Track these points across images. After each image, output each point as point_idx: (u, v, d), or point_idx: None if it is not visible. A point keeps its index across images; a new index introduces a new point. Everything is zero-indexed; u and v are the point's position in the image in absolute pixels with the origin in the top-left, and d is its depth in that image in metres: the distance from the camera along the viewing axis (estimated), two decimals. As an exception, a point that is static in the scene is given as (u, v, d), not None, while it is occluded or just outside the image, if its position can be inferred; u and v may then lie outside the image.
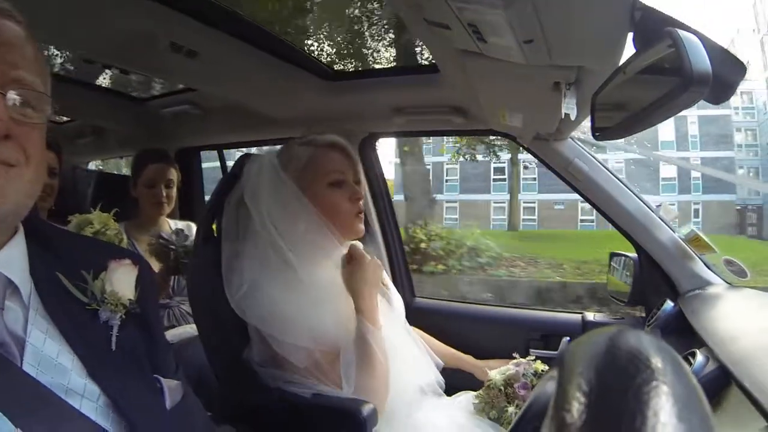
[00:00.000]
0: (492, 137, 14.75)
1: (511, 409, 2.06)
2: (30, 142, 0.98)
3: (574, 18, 1.32)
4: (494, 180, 30.63)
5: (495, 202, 30.51)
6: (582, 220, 28.90)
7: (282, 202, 2.01)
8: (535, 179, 30.63)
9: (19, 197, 0.98)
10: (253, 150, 3.92)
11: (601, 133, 1.54)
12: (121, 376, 1.05)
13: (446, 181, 30.78)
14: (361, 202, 2.11)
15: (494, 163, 27.59)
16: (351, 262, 2.04)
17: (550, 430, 0.48)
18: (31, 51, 1.02)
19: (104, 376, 1.02)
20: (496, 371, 2.19)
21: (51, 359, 0.98)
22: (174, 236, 2.87)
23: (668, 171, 27.44)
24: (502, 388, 2.12)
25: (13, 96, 0.95)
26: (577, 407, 0.46)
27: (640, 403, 0.43)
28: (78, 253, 1.16)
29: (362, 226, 2.12)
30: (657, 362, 0.48)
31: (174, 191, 3.28)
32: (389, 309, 2.23)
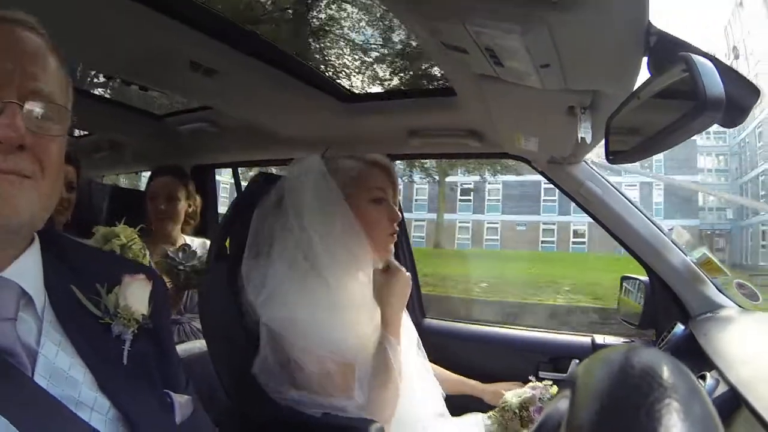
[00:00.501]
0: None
1: None
2: (46, 154, 0.99)
3: (589, 43, 1.34)
4: (460, 200, 31.47)
5: (460, 222, 31.95)
6: (574, 242, 29.28)
7: (323, 206, 2.02)
8: (498, 200, 31.28)
9: (33, 209, 0.98)
10: (272, 170, 3.95)
11: (615, 156, 1.55)
12: (131, 390, 1.06)
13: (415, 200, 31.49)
14: (396, 224, 2.13)
15: (462, 185, 28.59)
16: (387, 272, 2.09)
17: None
18: (54, 63, 1.04)
19: (115, 390, 1.03)
20: (512, 393, 2.19)
21: (63, 371, 0.98)
22: (180, 253, 2.88)
23: (632, 194, 27.86)
24: (517, 410, 2.12)
25: (31, 108, 0.97)
26: (590, 425, 0.47)
27: (652, 421, 0.44)
28: (92, 267, 1.17)
29: (393, 247, 2.13)
30: (670, 380, 0.49)
31: (179, 206, 3.29)
32: (404, 329, 2.21)
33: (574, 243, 31.28)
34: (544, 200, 31.72)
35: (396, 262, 2.13)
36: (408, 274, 2.12)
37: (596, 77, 1.59)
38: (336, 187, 2.04)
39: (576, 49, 1.37)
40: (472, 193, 32.55)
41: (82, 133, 4.22)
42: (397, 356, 1.94)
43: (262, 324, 1.92)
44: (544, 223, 32.19)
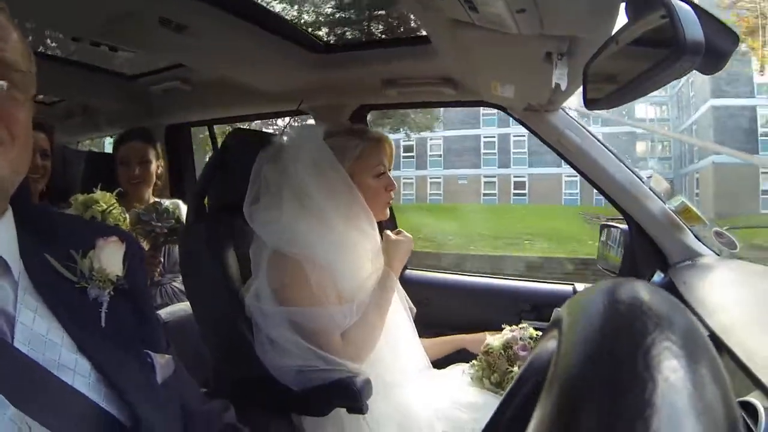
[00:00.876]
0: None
1: (515, 369, 2.08)
2: (14, 120, 0.98)
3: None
4: (404, 157, 31.99)
5: (404, 178, 32.41)
6: (515, 194, 29.93)
7: (324, 175, 2.14)
8: (440, 156, 31.85)
9: (3, 173, 0.97)
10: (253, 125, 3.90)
11: (593, 103, 1.54)
12: (111, 352, 1.05)
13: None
14: (392, 193, 2.31)
15: (404, 141, 28.91)
16: (398, 235, 2.33)
17: (553, 391, 0.46)
18: (14, 32, 1.02)
19: (95, 351, 1.02)
20: (492, 337, 2.22)
21: (41, 336, 0.98)
22: (153, 214, 2.84)
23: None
24: (502, 351, 2.14)
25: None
26: (580, 372, 0.45)
27: (650, 369, 0.41)
28: (66, 233, 1.16)
29: (387, 211, 2.33)
30: (664, 315, 0.46)
31: (151, 169, 3.25)
32: None
33: (515, 195, 31.70)
34: (484, 154, 31.97)
35: (404, 231, 2.39)
36: (411, 237, 2.36)
37: (573, 22, 1.57)
38: (332, 156, 2.15)
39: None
40: (414, 149, 33.00)
41: (54, 99, 4.15)
42: (389, 300, 2.14)
43: (272, 254, 2.03)
44: (485, 176, 32.75)
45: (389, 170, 2.28)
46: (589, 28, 1.56)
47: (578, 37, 1.64)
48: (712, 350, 0.46)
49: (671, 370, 0.41)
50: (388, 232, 2.34)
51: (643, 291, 0.50)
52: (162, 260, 3.05)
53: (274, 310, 1.98)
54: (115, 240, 1.17)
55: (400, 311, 2.28)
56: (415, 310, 2.40)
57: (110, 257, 1.14)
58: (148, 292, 1.36)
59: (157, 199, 3.25)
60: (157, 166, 3.29)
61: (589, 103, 1.55)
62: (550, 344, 0.58)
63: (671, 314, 0.47)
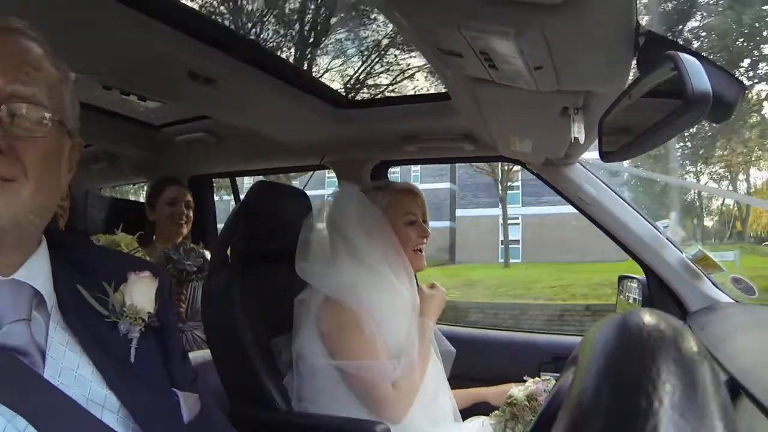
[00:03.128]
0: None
1: None
2: (28, 156, 0.98)
3: (581, 44, 1.37)
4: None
5: None
6: None
7: (367, 227, 2.28)
8: None
9: (15, 212, 0.97)
10: (271, 178, 3.95)
11: (608, 155, 1.59)
12: (140, 388, 1.07)
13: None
14: (425, 240, 2.40)
15: None
16: (432, 289, 2.44)
17: (564, 418, 0.48)
18: (46, 66, 1.05)
19: (123, 388, 1.04)
20: (516, 389, 2.23)
21: (71, 370, 1.00)
22: (182, 252, 2.94)
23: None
24: (527, 402, 2.15)
25: (7, 111, 0.97)
26: (592, 392, 0.47)
27: (657, 390, 0.43)
28: (99, 265, 1.18)
29: (424, 262, 2.41)
30: (667, 337, 0.48)
31: (191, 213, 3.40)
32: None
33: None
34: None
35: (437, 284, 2.49)
36: (444, 291, 2.46)
37: (588, 78, 1.62)
38: (378, 209, 2.32)
39: (568, 51, 1.40)
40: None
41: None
42: (429, 352, 2.23)
43: (324, 300, 2.14)
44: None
45: (423, 220, 2.38)
46: (604, 83, 1.62)
47: (593, 91, 1.69)
48: (713, 369, 0.48)
49: (675, 395, 0.43)
50: (423, 285, 2.44)
51: (649, 317, 0.52)
52: (186, 295, 3.11)
53: (327, 363, 2.05)
54: (148, 275, 1.19)
55: (432, 361, 2.31)
56: (454, 351, 2.50)
57: (142, 293, 1.16)
58: (177, 328, 1.40)
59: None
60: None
61: (605, 155, 1.59)
62: (569, 379, 0.60)
63: (677, 337, 0.49)
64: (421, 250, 2.38)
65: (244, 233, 2.26)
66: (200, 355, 2.70)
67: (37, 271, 1.05)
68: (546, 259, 24.53)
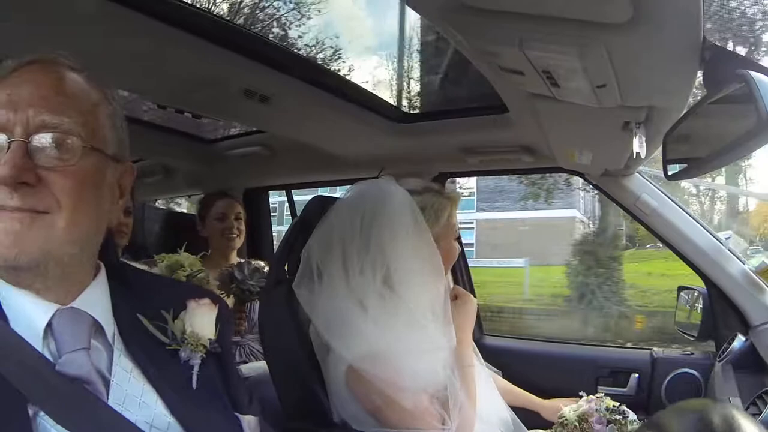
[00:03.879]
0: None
1: None
2: (60, 187, 0.97)
3: (646, 61, 1.36)
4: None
5: None
6: None
7: (408, 238, 1.98)
8: None
9: (49, 245, 0.97)
10: (329, 191, 3.95)
11: (674, 174, 1.56)
12: (202, 415, 1.08)
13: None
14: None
15: None
16: (457, 298, 2.16)
17: None
18: (84, 96, 1.05)
19: (186, 415, 1.05)
20: (568, 408, 2.19)
21: (135, 397, 1.02)
22: (246, 271, 2.93)
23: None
24: (577, 423, 2.11)
25: (39, 143, 0.97)
26: None
27: None
28: (157, 293, 1.20)
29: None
30: None
31: (242, 226, 3.37)
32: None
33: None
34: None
35: (460, 288, 2.27)
36: (474, 298, 2.22)
37: (652, 93, 1.60)
38: (423, 221, 2.02)
39: (633, 68, 1.39)
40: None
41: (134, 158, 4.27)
42: (474, 379, 2.02)
43: (348, 368, 1.85)
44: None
45: None
46: (667, 98, 1.60)
47: (656, 106, 1.66)
48: None
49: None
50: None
51: (737, 419, 0.50)
52: (247, 312, 3.08)
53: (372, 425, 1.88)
54: (207, 303, 1.20)
55: (480, 374, 2.20)
56: (500, 373, 2.42)
57: (203, 320, 1.17)
58: (232, 352, 1.42)
59: (239, 259, 3.31)
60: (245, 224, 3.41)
61: (670, 173, 1.57)
62: None
63: None
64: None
65: (302, 248, 2.27)
66: (256, 367, 2.72)
67: (95, 300, 1.07)
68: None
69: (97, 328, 1.04)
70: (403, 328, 1.90)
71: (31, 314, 1.00)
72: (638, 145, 1.78)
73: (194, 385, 1.11)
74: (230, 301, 2.94)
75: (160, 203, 5.13)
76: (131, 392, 1.02)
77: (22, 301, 1.00)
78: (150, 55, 1.91)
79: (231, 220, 3.32)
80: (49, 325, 0.99)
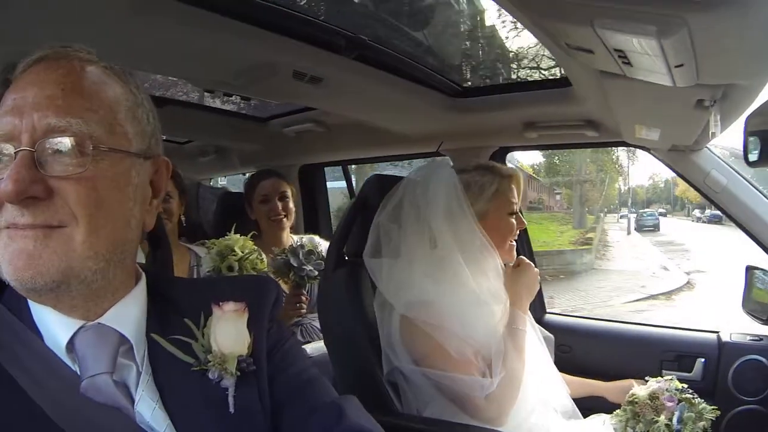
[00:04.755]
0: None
1: (661, 418, 2.01)
2: (74, 197, 0.90)
3: (727, 40, 1.27)
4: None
5: None
6: None
7: (452, 217, 2.09)
8: None
9: (68, 262, 0.90)
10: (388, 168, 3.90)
11: (755, 161, 1.46)
12: None
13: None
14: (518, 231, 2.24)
15: None
16: (518, 267, 2.22)
17: None
18: (90, 86, 0.96)
19: None
20: (637, 388, 2.15)
21: (158, 430, 0.96)
22: (301, 256, 2.83)
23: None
24: (649, 401, 2.07)
25: (46, 148, 0.90)
26: None
27: None
28: (183, 301, 1.11)
29: (515, 254, 2.25)
30: None
31: (290, 204, 3.30)
32: (533, 331, 2.28)
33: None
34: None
35: (525, 259, 2.28)
36: (536, 269, 2.26)
37: (731, 72, 1.51)
38: (465, 201, 2.10)
39: (714, 47, 1.29)
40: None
41: (184, 140, 4.32)
42: (524, 341, 2.06)
43: (401, 317, 2.00)
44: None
45: (520, 209, 2.25)
46: (747, 76, 1.51)
47: (734, 84, 1.57)
48: None
49: None
50: (509, 265, 2.23)
51: None
52: (309, 297, 2.98)
53: (419, 378, 1.97)
54: (231, 309, 1.07)
55: (536, 346, 2.23)
56: (552, 338, 2.37)
57: (228, 333, 1.05)
58: (296, 352, 1.22)
59: (293, 236, 3.31)
60: (293, 203, 3.35)
61: (751, 160, 1.47)
62: None
63: None
64: (515, 243, 2.25)
65: (360, 229, 2.23)
66: (317, 347, 2.71)
67: (126, 314, 1.00)
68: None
69: (128, 347, 0.99)
70: (450, 283, 2.04)
71: (54, 330, 0.96)
72: (714, 125, 1.69)
73: (232, 409, 1.02)
74: (287, 287, 2.93)
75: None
76: (155, 425, 0.96)
77: (48, 316, 0.96)
78: (198, 42, 1.90)
79: (275, 201, 3.24)
80: (71, 342, 0.95)
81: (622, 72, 1.54)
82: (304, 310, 2.98)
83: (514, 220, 2.18)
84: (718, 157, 2.53)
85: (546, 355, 2.29)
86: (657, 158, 2.67)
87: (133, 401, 0.96)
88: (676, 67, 1.36)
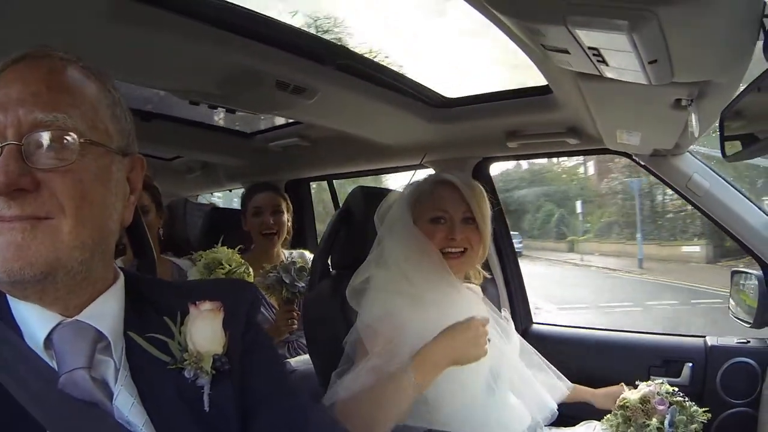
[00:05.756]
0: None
1: (653, 421, 2.02)
2: (61, 189, 0.92)
3: (701, 34, 1.28)
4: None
5: None
6: None
7: (397, 228, 2.11)
8: None
9: (57, 253, 0.92)
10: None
11: (732, 155, 1.47)
12: None
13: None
14: (454, 242, 2.10)
15: None
16: (463, 323, 1.96)
17: None
18: (72, 84, 0.99)
19: None
20: (628, 392, 2.15)
21: (138, 426, 0.96)
22: (293, 273, 2.84)
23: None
24: (641, 405, 2.07)
25: (33, 143, 0.92)
26: None
27: None
28: (163, 300, 1.12)
29: (458, 265, 2.15)
30: None
31: (283, 218, 3.29)
32: (505, 341, 2.22)
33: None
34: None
35: (477, 319, 1.99)
36: (486, 329, 2.00)
37: (707, 68, 1.51)
38: (406, 210, 2.13)
39: (686, 42, 1.31)
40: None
41: (171, 155, 4.33)
42: (404, 398, 1.83)
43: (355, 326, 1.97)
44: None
45: (464, 219, 2.12)
46: (723, 72, 1.52)
47: (711, 81, 1.58)
48: None
49: None
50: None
51: None
52: (299, 313, 2.90)
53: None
54: (208, 308, 1.08)
55: (512, 368, 2.18)
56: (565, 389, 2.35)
57: (203, 333, 1.06)
58: (270, 349, 1.25)
59: (284, 251, 3.32)
60: (287, 218, 3.33)
61: (728, 154, 1.48)
62: None
63: None
64: (451, 253, 2.10)
65: (344, 240, 2.23)
66: (304, 360, 2.69)
67: (104, 311, 1.01)
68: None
69: (106, 343, 0.99)
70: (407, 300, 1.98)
71: (33, 327, 0.96)
72: (691, 124, 1.71)
73: (207, 407, 1.02)
74: (277, 303, 2.93)
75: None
76: (133, 420, 0.97)
77: (27, 312, 0.97)
78: (178, 52, 1.90)
79: (267, 215, 3.25)
80: (49, 338, 0.95)
81: (599, 72, 1.55)
82: (295, 326, 2.95)
83: (436, 229, 2.10)
84: (700, 160, 2.54)
85: (526, 373, 2.27)
86: (639, 164, 2.70)
87: (111, 397, 0.96)
88: (650, 63, 1.37)
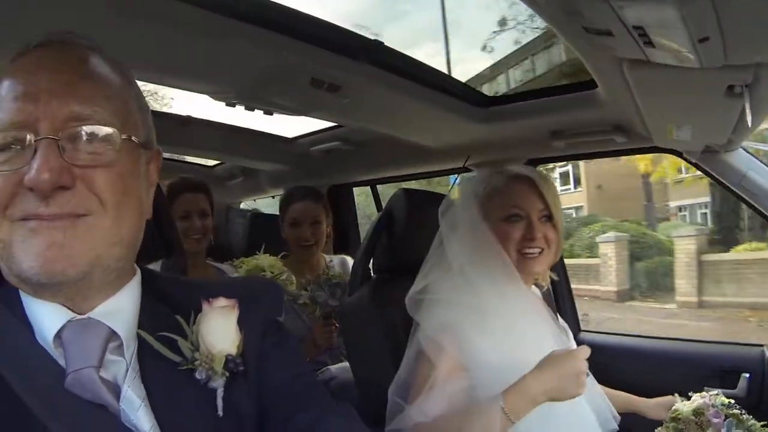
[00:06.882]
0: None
1: None
2: (100, 184, 0.90)
3: (756, 7, 1.20)
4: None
5: None
6: None
7: (464, 227, 2.02)
8: None
9: (96, 251, 0.90)
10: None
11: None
12: None
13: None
14: (534, 243, 2.02)
15: None
16: (565, 353, 1.78)
17: None
18: (103, 75, 0.96)
19: None
20: (680, 404, 2.05)
21: (144, 429, 0.92)
22: (327, 290, 2.81)
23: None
24: (694, 417, 1.97)
25: (71, 137, 0.89)
26: None
27: None
28: (179, 297, 1.07)
29: (537, 268, 2.08)
30: None
31: (322, 228, 3.21)
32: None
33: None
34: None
35: (583, 349, 1.81)
36: (584, 363, 1.76)
37: (762, 47, 1.42)
38: (474, 207, 2.05)
39: (740, 16, 1.22)
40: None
41: (213, 162, 4.37)
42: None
43: (415, 333, 1.89)
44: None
45: (542, 217, 2.05)
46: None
47: (764, 63, 1.49)
48: None
49: None
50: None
51: None
52: (338, 326, 2.83)
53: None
54: (222, 304, 1.03)
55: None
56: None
57: (216, 331, 1.00)
58: (292, 357, 1.18)
59: (325, 256, 3.29)
60: (326, 225, 3.26)
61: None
62: None
63: None
64: (529, 254, 2.02)
65: (386, 245, 2.19)
66: (343, 367, 2.66)
67: (119, 308, 0.98)
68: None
69: (119, 342, 0.95)
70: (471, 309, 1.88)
71: (43, 323, 0.93)
72: (747, 112, 1.62)
73: (221, 412, 0.97)
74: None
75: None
76: (140, 425, 0.92)
77: (39, 308, 0.93)
78: (210, 52, 1.87)
79: (305, 227, 3.16)
80: (59, 336, 0.91)
81: (645, 56, 1.48)
82: (335, 341, 2.89)
83: (512, 228, 2.02)
84: (755, 157, 2.44)
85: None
86: (690, 162, 2.60)
87: (120, 399, 0.92)
88: (701, 41, 1.30)
